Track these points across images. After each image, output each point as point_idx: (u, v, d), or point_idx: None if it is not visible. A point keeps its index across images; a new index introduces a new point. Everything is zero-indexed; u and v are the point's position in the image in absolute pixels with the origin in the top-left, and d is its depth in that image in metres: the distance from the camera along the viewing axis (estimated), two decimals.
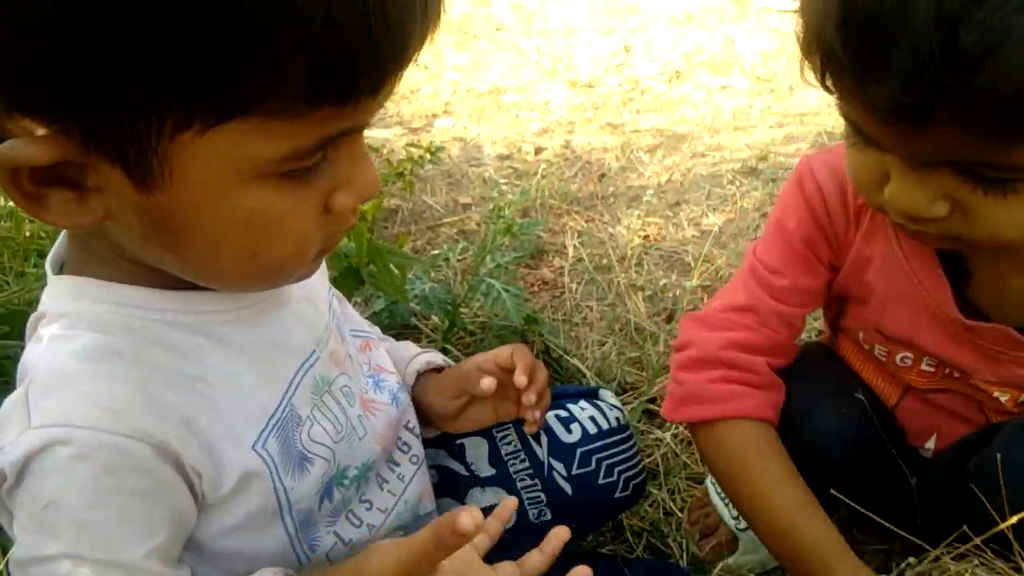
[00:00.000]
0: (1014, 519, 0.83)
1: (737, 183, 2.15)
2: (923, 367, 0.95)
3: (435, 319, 1.56)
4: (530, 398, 0.93)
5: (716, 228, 1.93)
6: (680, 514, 1.26)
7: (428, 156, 1.75)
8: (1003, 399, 0.90)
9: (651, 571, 1.07)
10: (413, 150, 1.80)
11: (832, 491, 0.91)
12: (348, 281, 1.19)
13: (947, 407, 0.97)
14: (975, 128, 0.62)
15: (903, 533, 0.95)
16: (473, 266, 1.48)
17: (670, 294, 1.71)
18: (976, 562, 0.88)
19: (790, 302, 0.94)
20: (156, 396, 0.66)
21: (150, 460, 0.65)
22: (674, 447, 1.36)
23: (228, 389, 0.71)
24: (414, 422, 0.96)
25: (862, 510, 0.93)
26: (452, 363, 1.02)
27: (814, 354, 1.07)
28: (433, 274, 1.73)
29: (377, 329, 1.10)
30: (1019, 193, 0.66)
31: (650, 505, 1.27)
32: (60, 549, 0.64)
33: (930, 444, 1.00)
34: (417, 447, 0.95)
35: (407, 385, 0.97)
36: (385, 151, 2.30)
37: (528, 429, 0.99)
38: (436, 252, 1.70)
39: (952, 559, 0.89)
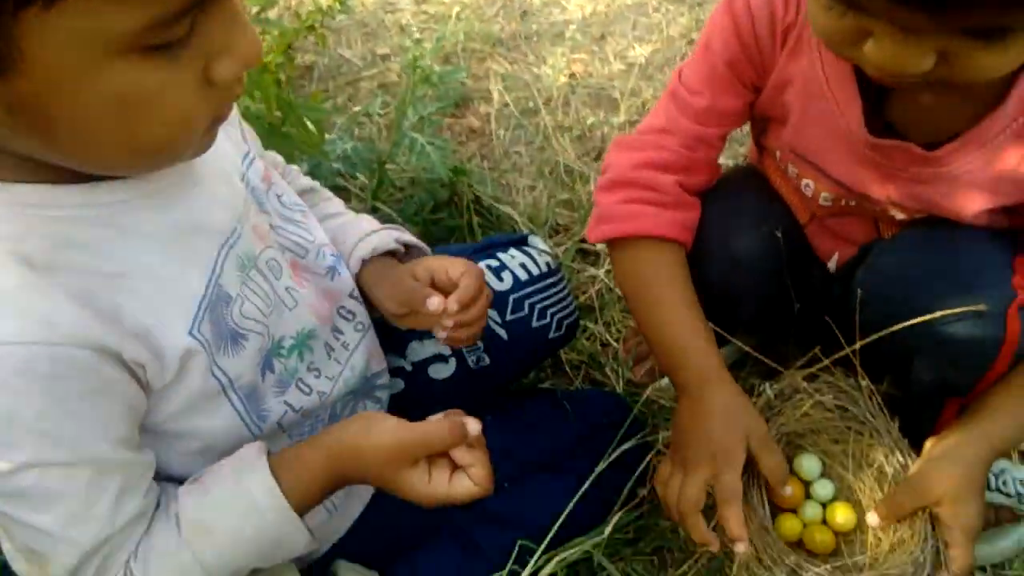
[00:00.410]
0: (857, 345, 0.90)
1: (663, 10, 2.09)
2: (821, 201, 0.98)
3: (362, 177, 1.54)
4: (447, 322, 0.90)
5: (643, 60, 1.90)
6: (615, 344, 1.32)
7: (338, 6, 1.66)
8: (899, 216, 0.94)
9: (588, 400, 1.13)
10: (321, 0, 1.70)
11: (713, 327, 0.97)
12: (265, 143, 1.16)
13: (846, 229, 1.01)
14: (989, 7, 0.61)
15: (758, 355, 1.02)
16: (397, 120, 1.45)
17: (598, 132, 1.70)
18: (827, 379, 0.95)
19: (708, 123, 0.96)
20: (81, 299, 0.65)
21: (92, 363, 0.65)
22: (608, 282, 1.40)
23: (151, 280, 0.70)
24: (357, 291, 0.96)
25: (740, 344, 1.00)
26: (402, 245, 1.00)
27: (737, 175, 1.10)
28: (356, 131, 1.69)
29: (327, 192, 1.07)
30: (1008, 41, 0.66)
31: (587, 339, 1.33)
32: (24, 459, 0.65)
33: (832, 263, 1.05)
34: (362, 314, 0.96)
35: (352, 271, 0.96)
36: (293, 3, 2.17)
37: (439, 339, 0.93)
38: (357, 108, 1.65)
39: (805, 379, 0.96)
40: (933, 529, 0.86)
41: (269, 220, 0.86)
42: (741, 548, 0.84)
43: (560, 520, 0.93)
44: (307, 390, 0.87)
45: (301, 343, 0.86)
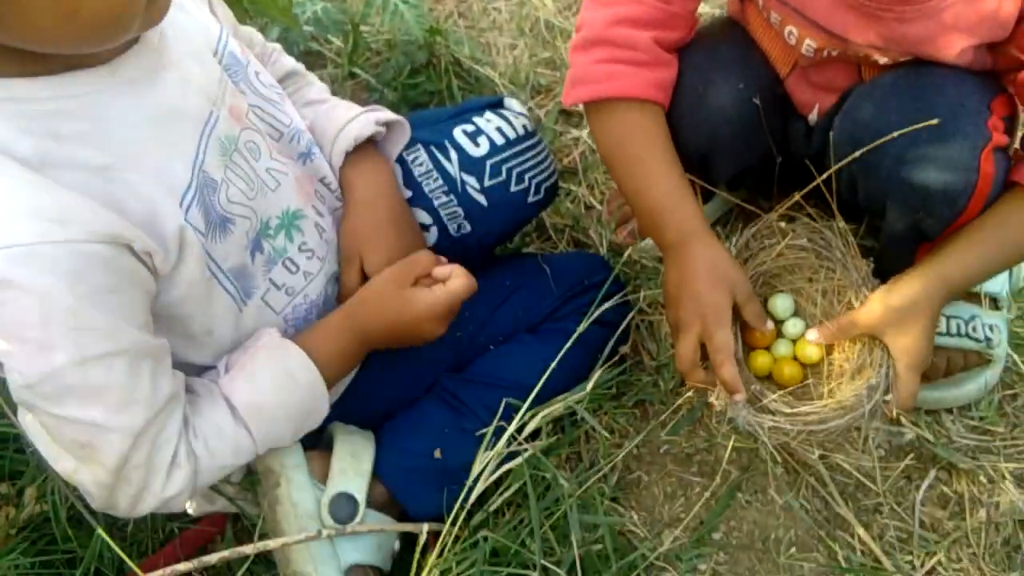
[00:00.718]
0: (823, 177, 0.91)
1: None
2: (803, 50, 0.95)
3: (337, 42, 1.49)
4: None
5: None
6: (599, 207, 1.32)
7: None
8: (881, 60, 0.92)
9: (570, 260, 1.14)
10: None
11: (697, 182, 0.97)
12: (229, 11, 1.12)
13: (828, 78, 0.99)
14: None
15: (742, 204, 1.02)
16: None
17: None
18: (803, 221, 0.97)
19: None
20: (84, 194, 0.66)
21: (110, 255, 0.66)
22: (591, 144, 1.38)
23: (138, 170, 0.70)
24: (330, 178, 0.96)
25: (725, 195, 0.99)
26: (383, 126, 0.99)
27: (716, 29, 1.07)
28: None
29: (312, 76, 1.05)
30: None
31: (571, 201, 1.33)
32: (65, 358, 0.67)
33: (813, 115, 1.03)
34: (331, 200, 0.97)
35: (335, 166, 0.96)
36: None
37: None
38: None
39: (782, 222, 0.97)
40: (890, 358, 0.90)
41: (246, 100, 0.85)
42: (739, 398, 0.87)
43: (544, 378, 0.96)
44: (294, 268, 0.89)
45: (288, 223, 0.88)
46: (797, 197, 0.92)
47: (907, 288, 0.88)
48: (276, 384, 0.83)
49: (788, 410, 0.89)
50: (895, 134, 0.85)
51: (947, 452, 1.05)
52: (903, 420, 1.07)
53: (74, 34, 0.61)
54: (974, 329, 1.05)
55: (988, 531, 1.01)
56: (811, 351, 0.96)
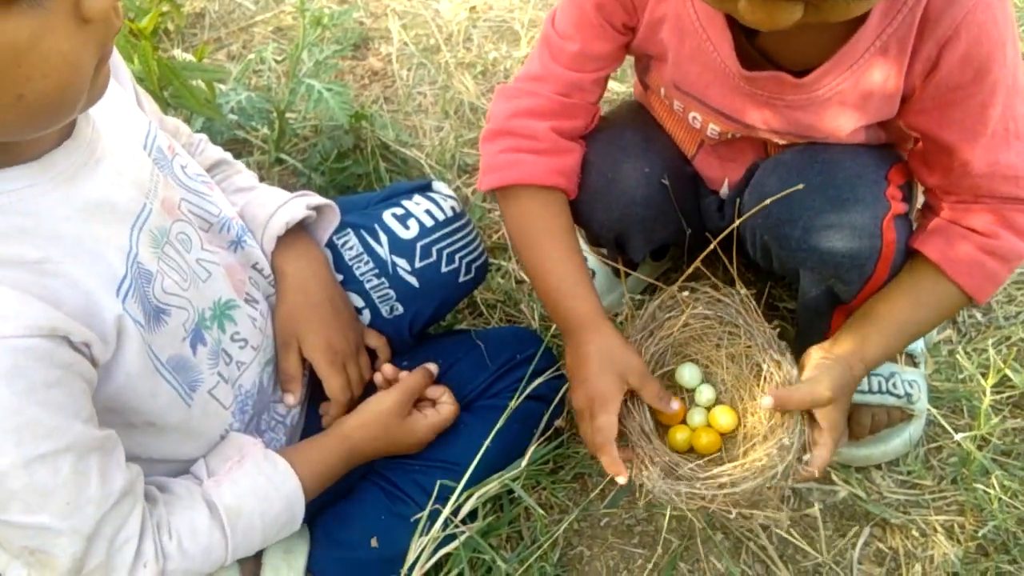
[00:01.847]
0: (717, 240, 0.94)
1: None
2: (708, 133, 1.00)
3: (264, 129, 1.50)
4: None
5: None
6: (528, 281, 1.34)
7: None
8: (781, 142, 0.97)
9: (503, 337, 1.15)
10: None
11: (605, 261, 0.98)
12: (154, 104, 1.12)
13: (735, 155, 1.04)
14: None
15: (635, 274, 1.04)
16: (292, 67, 1.41)
17: (501, 67, 1.69)
18: (704, 290, 0.99)
19: (581, 68, 0.97)
20: (19, 289, 0.64)
21: (48, 349, 0.65)
22: None
23: (75, 261, 0.69)
24: (262, 263, 0.97)
25: (623, 268, 1.04)
26: (313, 210, 1.00)
27: (622, 113, 1.11)
28: (254, 80, 1.64)
29: (239, 164, 1.06)
30: None
31: (502, 276, 1.34)
32: (7, 463, 0.64)
33: (724, 189, 1.08)
34: (264, 286, 0.97)
35: (266, 251, 0.97)
36: None
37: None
38: (251, 56, 1.59)
39: (686, 292, 0.99)
40: (803, 422, 0.91)
41: (176, 193, 0.85)
42: (621, 481, 0.89)
43: (478, 457, 0.96)
44: (227, 359, 0.88)
45: (220, 313, 0.87)
46: (696, 264, 0.95)
47: (837, 374, 0.90)
48: (259, 495, 0.84)
49: (702, 475, 0.90)
50: (777, 198, 0.89)
51: (879, 508, 1.07)
52: (835, 478, 1.09)
53: (22, 119, 0.60)
54: (894, 386, 1.09)
55: None
56: (723, 419, 0.97)
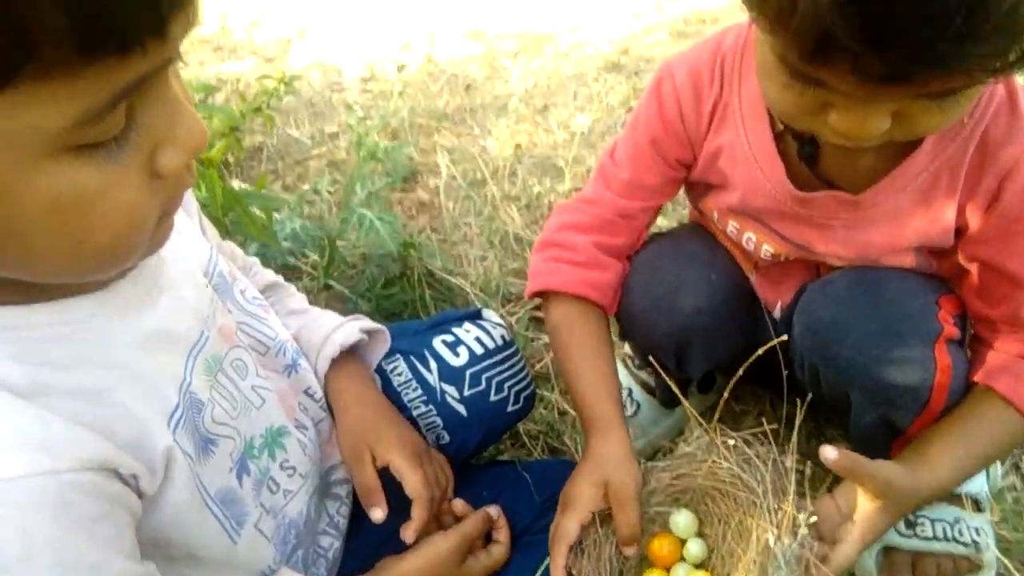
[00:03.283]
0: (749, 360, 0.91)
1: (601, 80, 2.17)
2: (762, 255, 1.01)
3: (314, 256, 1.54)
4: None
5: (584, 129, 1.96)
6: (573, 412, 1.32)
7: (284, 87, 1.69)
8: (837, 264, 0.97)
9: (548, 469, 1.12)
10: (267, 81, 1.73)
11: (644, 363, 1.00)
12: (214, 230, 1.16)
13: (787, 277, 1.05)
14: (955, 74, 0.64)
15: (691, 412, 1.00)
16: (345, 197, 1.46)
17: (545, 201, 1.74)
18: (741, 444, 0.94)
19: (630, 196, 1.02)
20: (73, 420, 0.63)
21: (97, 483, 0.63)
22: None
23: (131, 391, 0.69)
24: (315, 388, 0.97)
25: (670, 383, 0.98)
26: (366, 334, 1.01)
27: (684, 228, 1.14)
28: (307, 210, 1.70)
29: (292, 288, 1.08)
30: (959, 97, 0.70)
31: (544, 408, 1.33)
32: None
33: (777, 311, 1.08)
34: (314, 409, 0.97)
35: (320, 374, 0.97)
36: (240, 85, 2.20)
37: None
38: (307, 187, 1.66)
39: (722, 437, 0.95)
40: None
41: (233, 317, 0.86)
42: None
43: None
44: (274, 488, 0.87)
45: (272, 441, 0.86)
46: (725, 394, 0.93)
47: (903, 474, 0.86)
48: None
49: None
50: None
51: None
52: None
53: (77, 266, 0.59)
54: (960, 532, 1.04)
55: None
56: None
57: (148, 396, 0.70)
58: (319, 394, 0.97)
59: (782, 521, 0.86)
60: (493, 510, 1.01)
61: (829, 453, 0.83)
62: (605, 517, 0.95)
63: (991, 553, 1.05)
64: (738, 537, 0.92)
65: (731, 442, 0.92)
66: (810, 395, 0.93)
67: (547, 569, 0.95)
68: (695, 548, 0.95)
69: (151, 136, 0.56)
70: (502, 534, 1.00)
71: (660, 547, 0.95)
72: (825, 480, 1.18)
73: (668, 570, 0.95)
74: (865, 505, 0.86)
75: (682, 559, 0.96)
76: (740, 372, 0.92)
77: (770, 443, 0.92)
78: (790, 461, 0.89)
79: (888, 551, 1.07)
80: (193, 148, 0.58)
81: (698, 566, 0.95)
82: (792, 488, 0.87)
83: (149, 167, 0.57)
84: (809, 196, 0.90)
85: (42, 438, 0.61)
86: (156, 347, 0.72)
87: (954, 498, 1.06)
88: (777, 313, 1.08)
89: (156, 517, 0.72)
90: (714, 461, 0.94)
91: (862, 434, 0.98)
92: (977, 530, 1.04)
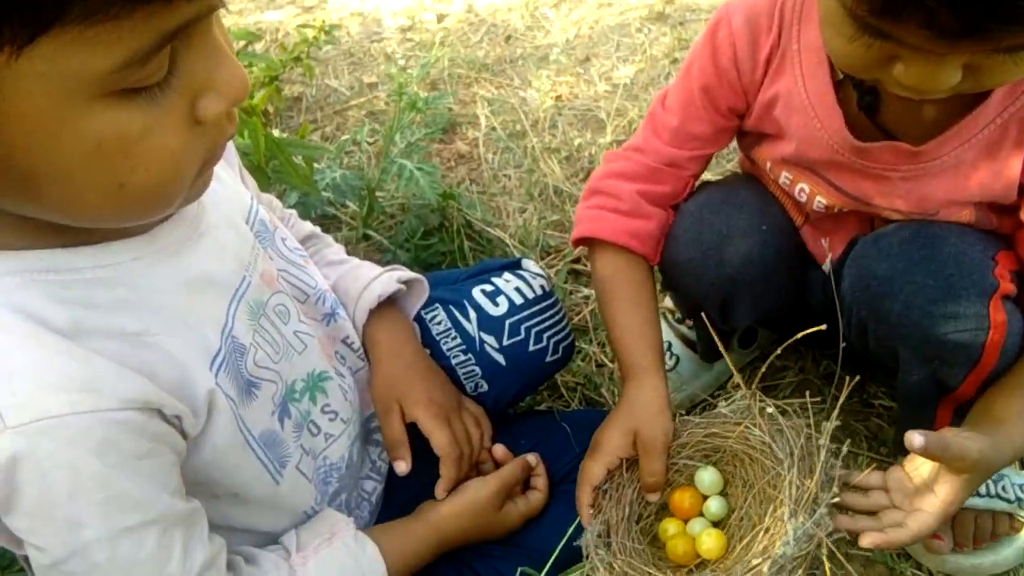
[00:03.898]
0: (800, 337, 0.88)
1: (645, 31, 2.12)
2: (815, 206, 0.99)
3: (353, 206, 1.54)
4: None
5: (627, 80, 1.92)
6: (611, 364, 1.32)
7: (323, 36, 1.67)
8: (893, 218, 0.95)
9: (586, 420, 1.12)
10: (306, 31, 1.72)
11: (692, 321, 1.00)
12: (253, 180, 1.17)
13: (840, 228, 1.02)
14: None
15: (735, 371, 0.98)
16: (385, 147, 1.46)
17: (586, 153, 1.71)
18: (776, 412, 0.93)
19: (681, 145, 1.00)
20: (116, 361, 0.64)
21: (140, 422, 0.65)
22: None
23: (172, 334, 0.70)
24: (353, 337, 0.97)
25: (714, 336, 0.97)
26: (404, 284, 1.01)
27: (734, 177, 1.12)
28: (345, 160, 1.70)
29: (330, 239, 1.08)
30: None
31: (582, 360, 1.33)
32: (93, 535, 0.64)
33: (827, 265, 1.05)
34: (352, 359, 0.97)
35: (358, 324, 0.98)
36: (280, 35, 2.19)
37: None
38: (346, 137, 1.66)
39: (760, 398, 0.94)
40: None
41: (275, 264, 0.86)
42: (584, 524, 0.93)
43: (562, 544, 0.92)
44: (315, 431, 0.88)
45: (313, 385, 0.87)
46: (778, 352, 0.92)
47: (987, 444, 0.83)
48: (346, 572, 0.83)
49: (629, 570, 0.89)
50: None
51: None
52: None
53: (117, 209, 0.60)
54: (1004, 489, 1.02)
55: None
56: (708, 543, 0.91)
57: (190, 339, 0.71)
58: (357, 343, 0.98)
59: (802, 496, 0.85)
60: (532, 457, 1.02)
61: (916, 440, 0.79)
62: (632, 462, 0.97)
63: None
64: (758, 504, 0.92)
65: (768, 409, 0.91)
66: (856, 377, 0.92)
67: None
68: (715, 506, 0.95)
69: (193, 82, 0.56)
70: (540, 481, 1.01)
71: (682, 499, 0.96)
72: (858, 457, 1.17)
73: (686, 522, 0.96)
74: (947, 476, 0.84)
75: (700, 514, 0.96)
76: (786, 343, 0.91)
77: (808, 416, 0.90)
78: (824, 438, 0.88)
79: None
80: (235, 96, 0.59)
81: (715, 524, 0.95)
82: (820, 466, 0.86)
83: (191, 113, 0.57)
84: (868, 146, 0.87)
85: (85, 378, 0.62)
86: (198, 291, 0.73)
87: None
88: (826, 267, 1.06)
89: (200, 457, 0.73)
90: (747, 427, 0.93)
91: (909, 392, 0.96)
92: (1021, 487, 1.03)
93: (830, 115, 0.88)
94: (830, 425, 0.88)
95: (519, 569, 0.93)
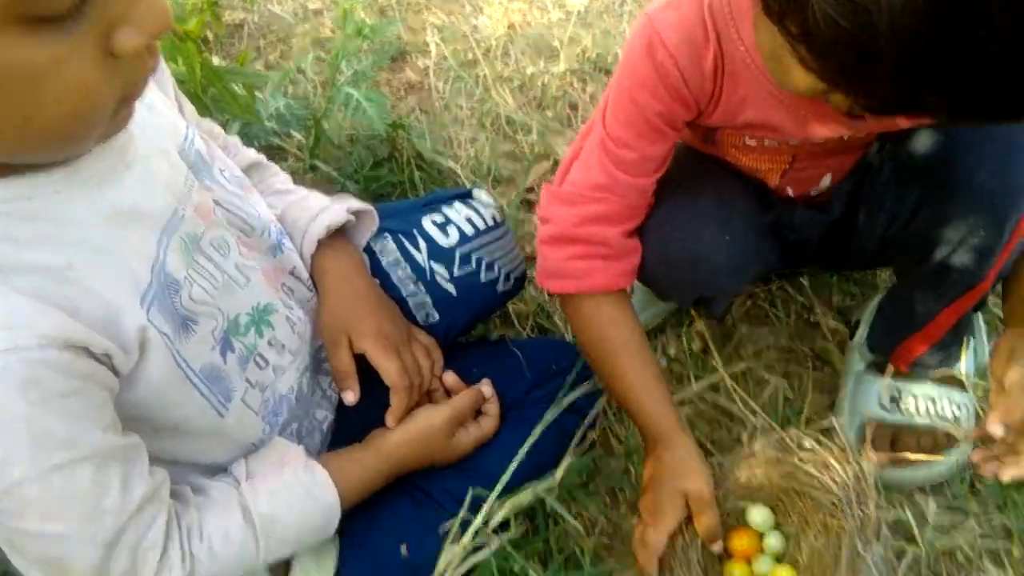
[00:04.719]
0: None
1: None
2: (791, 143, 0.96)
3: (299, 136, 1.51)
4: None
5: (581, 8, 1.88)
6: None
7: None
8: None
9: (538, 348, 1.13)
10: None
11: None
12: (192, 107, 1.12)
13: (832, 156, 1.00)
14: None
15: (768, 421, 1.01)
16: (331, 76, 1.41)
17: (539, 82, 1.69)
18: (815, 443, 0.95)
19: (643, 173, 0.94)
20: (37, 298, 0.62)
21: (64, 361, 0.63)
22: None
23: (98, 269, 0.67)
24: (300, 269, 0.96)
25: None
26: (353, 215, 0.99)
27: (685, 171, 1.01)
28: (291, 89, 1.65)
29: (275, 167, 1.05)
30: None
31: (535, 289, 1.33)
32: (20, 473, 0.63)
33: (825, 182, 1.03)
34: (301, 291, 0.96)
35: (306, 256, 0.96)
36: None
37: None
38: (289, 65, 1.60)
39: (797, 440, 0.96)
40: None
41: (213, 196, 0.83)
42: None
43: (512, 467, 0.94)
44: (263, 364, 0.87)
45: (258, 319, 0.86)
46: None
47: None
48: (297, 506, 0.83)
49: None
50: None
51: (923, 532, 1.04)
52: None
53: (28, 144, 0.57)
54: (942, 409, 1.06)
55: None
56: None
57: (118, 275, 0.69)
58: (305, 275, 0.96)
59: (865, 525, 0.89)
60: (486, 388, 1.02)
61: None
62: (686, 521, 0.96)
63: (970, 428, 1.07)
64: (818, 532, 0.95)
65: (806, 443, 0.94)
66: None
67: (537, 443, 0.97)
68: (774, 541, 0.98)
69: (107, 13, 0.53)
70: (492, 408, 1.01)
71: (740, 541, 0.97)
72: (803, 377, 1.19)
73: (749, 562, 0.97)
74: None
75: (761, 551, 0.98)
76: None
77: (846, 448, 0.93)
78: (868, 465, 0.92)
79: (869, 425, 1.09)
80: (153, 29, 0.56)
81: (778, 559, 0.98)
82: (872, 492, 0.90)
83: (105, 47, 0.54)
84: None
85: (3, 315, 0.61)
86: (125, 224, 0.70)
87: (941, 377, 1.07)
88: (825, 183, 1.03)
89: (135, 394, 0.72)
90: (792, 463, 0.95)
91: (934, 279, 0.97)
92: (959, 406, 1.06)
93: (809, 103, 0.85)
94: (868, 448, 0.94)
95: (470, 491, 0.94)
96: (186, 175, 0.79)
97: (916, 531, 1.04)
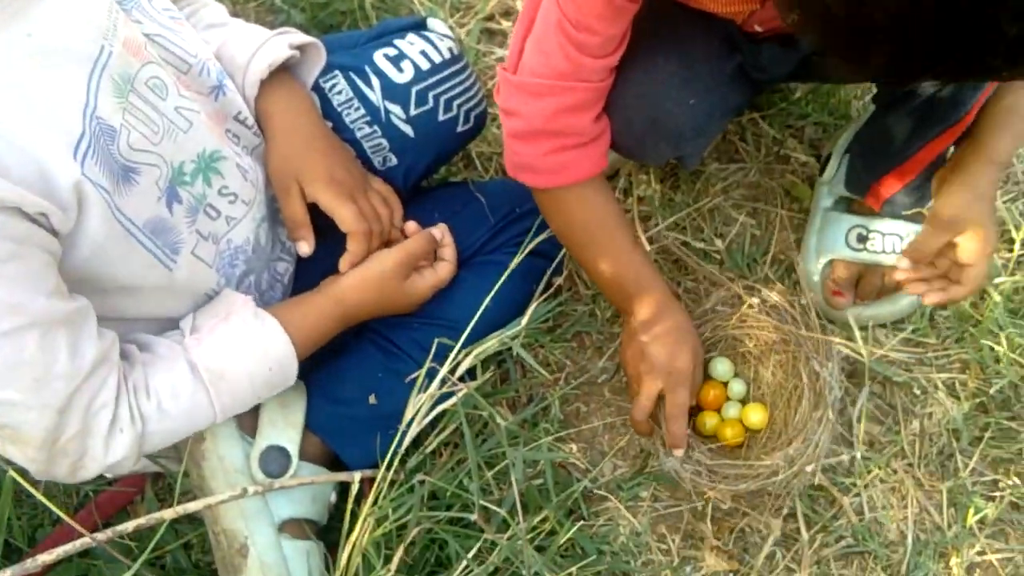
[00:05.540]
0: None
1: None
2: None
3: None
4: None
5: None
6: None
7: None
8: None
9: (502, 189, 1.09)
10: None
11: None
12: None
13: None
14: None
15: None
16: None
17: None
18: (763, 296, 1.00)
19: (608, 53, 0.86)
20: None
21: None
22: None
23: (20, 122, 0.63)
24: (245, 113, 0.89)
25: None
26: (297, 49, 0.92)
27: (643, 30, 0.92)
28: None
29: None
30: None
31: (497, 127, 1.27)
32: None
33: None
34: (248, 137, 0.90)
35: (249, 97, 0.89)
36: None
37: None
38: None
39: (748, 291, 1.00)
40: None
41: (142, 29, 0.76)
42: (678, 454, 0.94)
43: (478, 314, 0.93)
44: (214, 214, 0.83)
45: (205, 167, 0.81)
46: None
47: (972, 183, 0.88)
48: (247, 356, 0.81)
49: (709, 462, 0.94)
50: None
51: (881, 367, 1.06)
52: (837, 339, 1.07)
53: None
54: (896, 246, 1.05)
55: (923, 442, 1.03)
56: (755, 416, 0.99)
57: (45, 125, 0.64)
58: (251, 120, 0.90)
59: (818, 348, 0.95)
60: (437, 231, 0.99)
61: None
62: None
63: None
64: (775, 369, 1.00)
65: (755, 300, 0.99)
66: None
67: (504, 289, 0.96)
68: (738, 387, 1.02)
69: None
70: (448, 251, 0.99)
71: (707, 392, 1.01)
72: (770, 214, 1.17)
73: (719, 411, 1.01)
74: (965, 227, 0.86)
75: (728, 399, 1.02)
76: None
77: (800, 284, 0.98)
78: (814, 297, 1.02)
79: (835, 264, 1.08)
80: None
81: (742, 402, 1.02)
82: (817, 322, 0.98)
83: None
84: None
85: None
86: (44, 65, 0.64)
87: (908, 215, 1.06)
88: None
89: (77, 254, 0.69)
90: (742, 315, 1.01)
91: (885, 125, 0.97)
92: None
93: None
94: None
95: (435, 339, 0.94)
96: (109, 6, 0.72)
97: (873, 366, 1.06)
